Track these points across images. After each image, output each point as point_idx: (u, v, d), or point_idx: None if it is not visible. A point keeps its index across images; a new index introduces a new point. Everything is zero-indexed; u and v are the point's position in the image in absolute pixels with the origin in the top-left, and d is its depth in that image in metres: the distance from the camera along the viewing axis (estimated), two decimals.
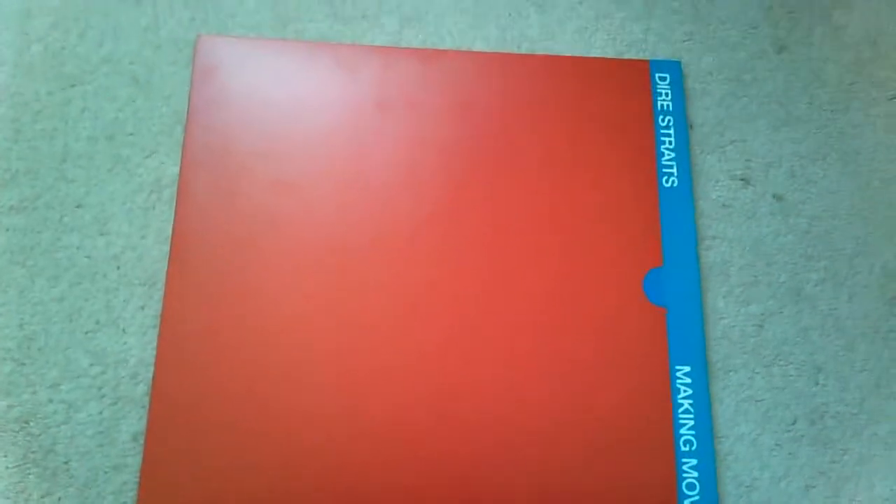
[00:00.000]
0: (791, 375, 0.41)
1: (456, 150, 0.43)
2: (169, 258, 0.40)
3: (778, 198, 0.44)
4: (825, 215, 0.44)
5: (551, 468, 0.38)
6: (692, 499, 0.38)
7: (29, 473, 0.38)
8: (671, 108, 0.45)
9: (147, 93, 0.44)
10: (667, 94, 0.45)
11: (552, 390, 0.39)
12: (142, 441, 0.38)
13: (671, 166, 0.44)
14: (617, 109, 0.44)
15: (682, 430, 0.39)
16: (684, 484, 0.38)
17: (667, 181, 0.43)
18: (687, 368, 0.40)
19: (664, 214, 0.43)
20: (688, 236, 0.42)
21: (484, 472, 0.38)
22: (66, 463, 0.38)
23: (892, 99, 0.46)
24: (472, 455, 0.38)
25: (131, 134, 0.43)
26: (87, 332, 0.40)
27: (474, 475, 0.38)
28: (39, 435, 0.38)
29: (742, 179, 0.44)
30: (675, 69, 0.45)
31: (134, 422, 0.39)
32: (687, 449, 0.39)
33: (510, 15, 0.47)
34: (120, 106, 0.44)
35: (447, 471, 0.38)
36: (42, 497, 0.38)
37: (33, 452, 0.38)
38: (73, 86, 0.44)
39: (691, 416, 0.39)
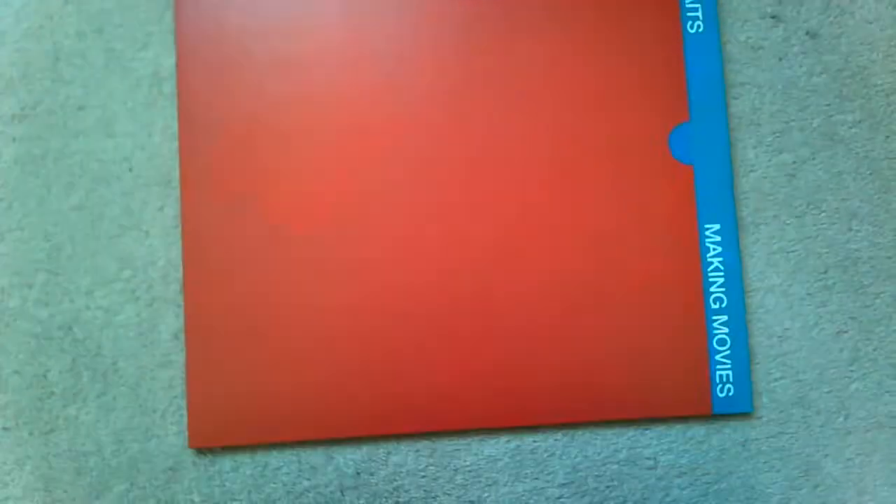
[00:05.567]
0: (823, 224, 0.40)
1: (464, 13, 0.40)
2: (179, 154, 0.39)
3: (811, 34, 0.41)
4: (862, 49, 0.41)
5: (581, 333, 0.39)
6: (723, 353, 0.39)
7: (82, 376, 0.40)
8: None
9: None
10: None
11: (578, 256, 0.39)
12: (182, 338, 0.40)
13: (696, 9, 0.40)
14: None
15: (713, 289, 0.39)
16: (715, 340, 0.39)
17: (691, 26, 0.40)
18: (716, 227, 0.39)
19: (689, 64, 0.40)
20: (715, 86, 0.40)
21: (518, 344, 0.39)
22: (113, 364, 0.40)
23: None
24: (504, 328, 0.39)
25: (120, 25, 0.41)
26: (111, 238, 0.40)
27: (509, 348, 0.39)
28: (84, 339, 0.40)
29: (772, 17, 0.41)
30: None
31: (172, 320, 0.40)
32: (717, 306, 0.39)
33: None
34: None
35: (483, 343, 0.39)
36: (98, 396, 0.39)
37: (82, 356, 0.40)
38: None
39: (721, 273, 0.39)
